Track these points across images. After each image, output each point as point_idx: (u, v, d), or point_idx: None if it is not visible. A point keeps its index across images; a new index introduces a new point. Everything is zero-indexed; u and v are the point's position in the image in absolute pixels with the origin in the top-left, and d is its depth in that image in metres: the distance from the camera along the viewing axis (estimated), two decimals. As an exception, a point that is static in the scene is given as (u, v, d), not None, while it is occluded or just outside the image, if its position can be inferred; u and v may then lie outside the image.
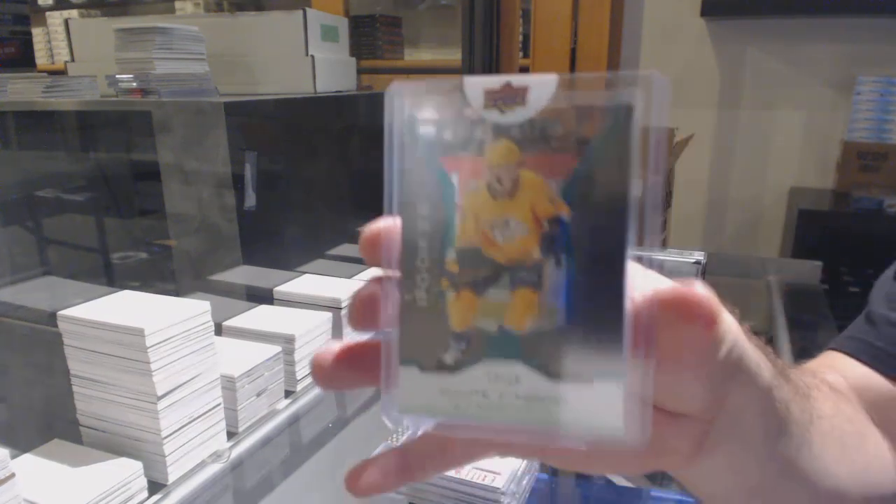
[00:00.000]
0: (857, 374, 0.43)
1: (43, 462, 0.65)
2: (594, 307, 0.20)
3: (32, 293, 1.15)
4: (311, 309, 1.00)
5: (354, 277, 1.12)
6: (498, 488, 0.63)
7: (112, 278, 1.35)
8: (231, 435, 0.78)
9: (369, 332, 0.23)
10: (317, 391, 0.90)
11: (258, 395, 0.82)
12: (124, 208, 1.36)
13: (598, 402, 0.20)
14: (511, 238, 0.21)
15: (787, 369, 0.30)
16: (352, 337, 0.24)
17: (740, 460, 0.28)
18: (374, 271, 0.23)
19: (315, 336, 0.93)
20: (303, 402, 0.88)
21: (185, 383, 0.70)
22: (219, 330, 0.90)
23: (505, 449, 0.28)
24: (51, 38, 3.21)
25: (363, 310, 0.22)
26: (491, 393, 0.21)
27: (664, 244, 1.27)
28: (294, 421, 0.85)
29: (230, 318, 0.95)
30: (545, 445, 0.26)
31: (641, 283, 0.21)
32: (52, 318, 0.71)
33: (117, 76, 1.11)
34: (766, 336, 0.29)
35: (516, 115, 0.21)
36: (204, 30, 1.20)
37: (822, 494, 0.33)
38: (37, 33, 3.05)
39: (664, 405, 0.25)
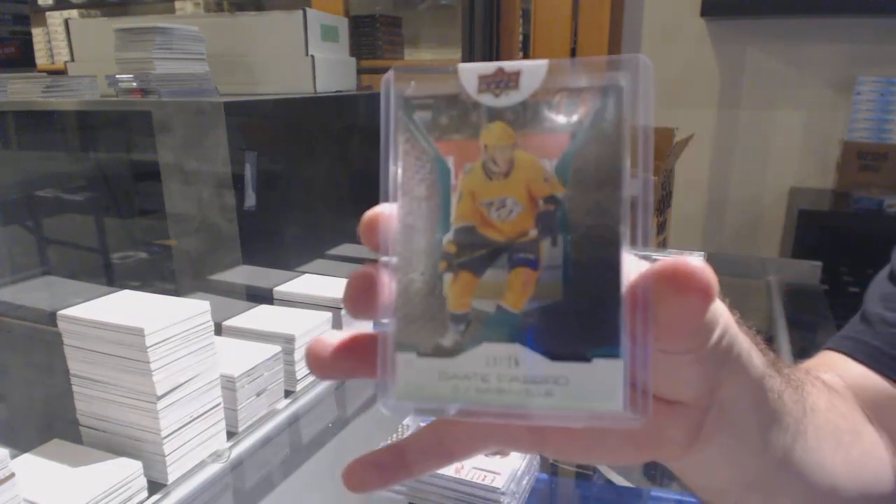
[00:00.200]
0: (853, 373, 0.43)
1: (43, 462, 0.65)
2: (591, 284, 0.21)
3: (32, 293, 1.15)
4: (311, 309, 1.00)
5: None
6: (498, 488, 0.63)
7: (112, 278, 1.36)
8: (231, 435, 0.78)
9: (365, 316, 0.22)
10: (317, 391, 0.90)
11: (258, 394, 0.82)
12: (124, 208, 1.36)
13: (597, 379, 0.20)
14: (507, 217, 0.22)
15: (779, 362, 0.30)
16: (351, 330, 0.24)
17: (736, 451, 0.28)
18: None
19: (315, 336, 0.93)
20: (303, 401, 0.88)
21: (184, 383, 0.70)
22: (219, 330, 0.90)
23: (502, 442, 0.27)
24: (51, 38, 3.21)
25: (358, 291, 0.22)
26: (490, 376, 0.21)
27: (664, 244, 1.27)
28: (294, 421, 0.85)
29: (230, 317, 0.95)
30: (545, 426, 0.25)
31: (635, 266, 0.21)
32: (52, 317, 0.71)
33: (117, 76, 1.11)
34: (766, 336, 0.29)
35: (510, 98, 0.22)
36: (204, 30, 1.20)
37: (817, 489, 0.33)
38: (37, 33, 3.05)
39: (660, 393, 0.25)
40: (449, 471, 0.65)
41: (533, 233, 0.21)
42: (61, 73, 1.40)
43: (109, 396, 0.69)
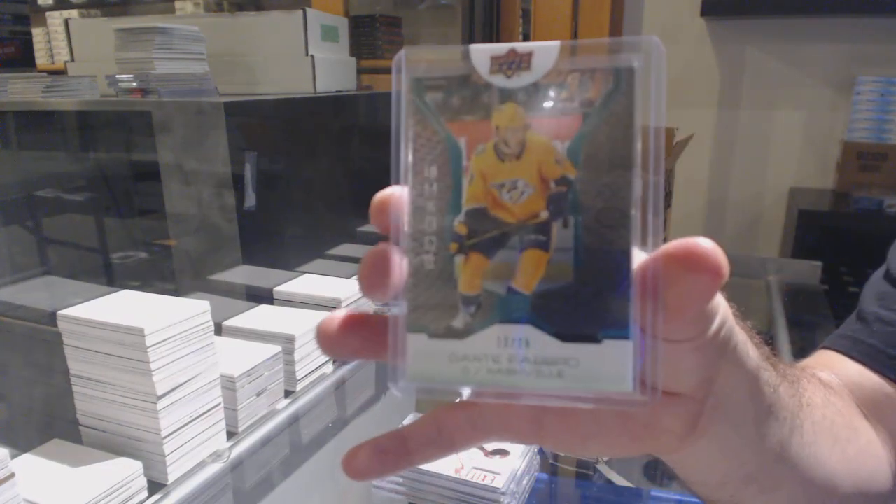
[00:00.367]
0: (849, 371, 0.43)
1: (43, 462, 0.65)
2: (601, 265, 0.21)
3: (32, 293, 1.15)
4: (311, 309, 1.00)
5: (354, 277, 1.12)
6: (498, 488, 0.63)
7: (112, 278, 1.35)
8: (231, 435, 0.78)
9: (379, 296, 0.22)
10: (317, 391, 0.90)
11: (258, 394, 0.82)
12: (124, 208, 1.35)
13: (607, 360, 0.20)
14: (518, 199, 0.22)
15: (773, 357, 0.30)
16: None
17: (732, 443, 0.28)
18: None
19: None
20: (303, 402, 0.88)
21: (184, 383, 0.70)
22: (219, 330, 0.90)
23: (501, 431, 0.27)
24: (51, 38, 3.21)
25: (373, 270, 0.22)
26: (501, 357, 0.21)
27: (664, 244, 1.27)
28: (294, 421, 0.85)
29: (230, 317, 0.95)
30: (544, 416, 0.26)
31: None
32: (52, 317, 0.71)
33: (117, 76, 1.11)
34: (766, 336, 0.29)
35: (522, 80, 0.21)
36: (204, 30, 1.20)
37: (814, 483, 0.33)
38: (37, 33, 3.05)
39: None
40: (449, 471, 0.65)
41: (544, 215, 0.21)
42: (61, 73, 1.40)
43: (109, 396, 0.69)
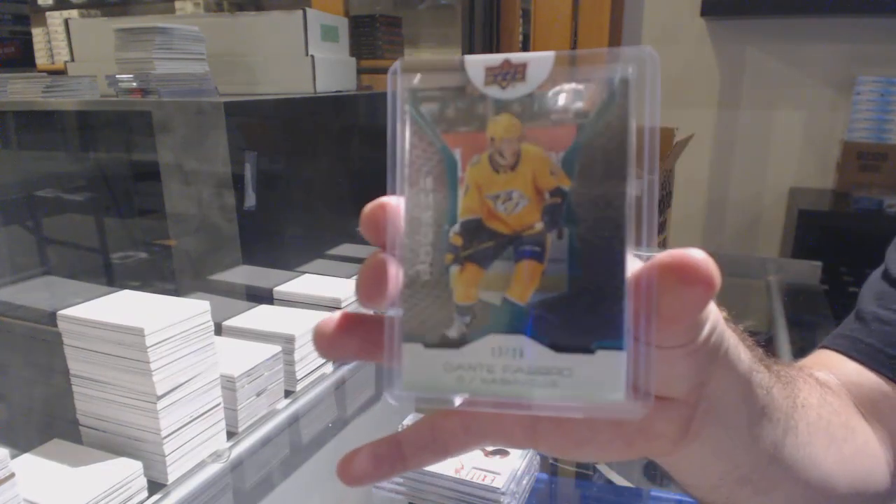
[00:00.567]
0: (848, 370, 0.43)
1: (43, 462, 0.65)
2: (595, 276, 0.21)
3: (32, 293, 1.15)
4: (311, 309, 1.00)
5: (354, 277, 1.12)
6: (498, 488, 0.63)
7: (112, 278, 1.35)
8: (231, 435, 0.78)
9: (376, 305, 0.23)
10: (317, 391, 0.90)
11: (258, 394, 0.82)
12: (124, 208, 1.35)
13: (600, 370, 0.21)
14: (513, 210, 0.22)
15: (767, 358, 0.30)
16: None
17: (725, 446, 0.28)
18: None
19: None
20: (303, 402, 0.88)
21: (184, 383, 0.70)
22: (219, 330, 0.90)
23: (495, 437, 0.27)
24: (51, 38, 3.21)
25: (370, 281, 0.22)
26: (495, 367, 0.21)
27: (664, 244, 1.27)
28: (294, 421, 0.85)
29: (230, 317, 0.95)
30: (538, 422, 0.26)
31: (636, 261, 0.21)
32: (52, 317, 0.71)
33: (117, 76, 1.11)
34: (766, 336, 0.29)
35: (516, 91, 0.22)
36: (204, 30, 1.20)
37: (810, 484, 0.33)
38: (37, 33, 3.05)
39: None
40: (449, 471, 0.65)
41: (539, 226, 0.21)
42: (61, 73, 1.40)
43: (109, 396, 0.69)
